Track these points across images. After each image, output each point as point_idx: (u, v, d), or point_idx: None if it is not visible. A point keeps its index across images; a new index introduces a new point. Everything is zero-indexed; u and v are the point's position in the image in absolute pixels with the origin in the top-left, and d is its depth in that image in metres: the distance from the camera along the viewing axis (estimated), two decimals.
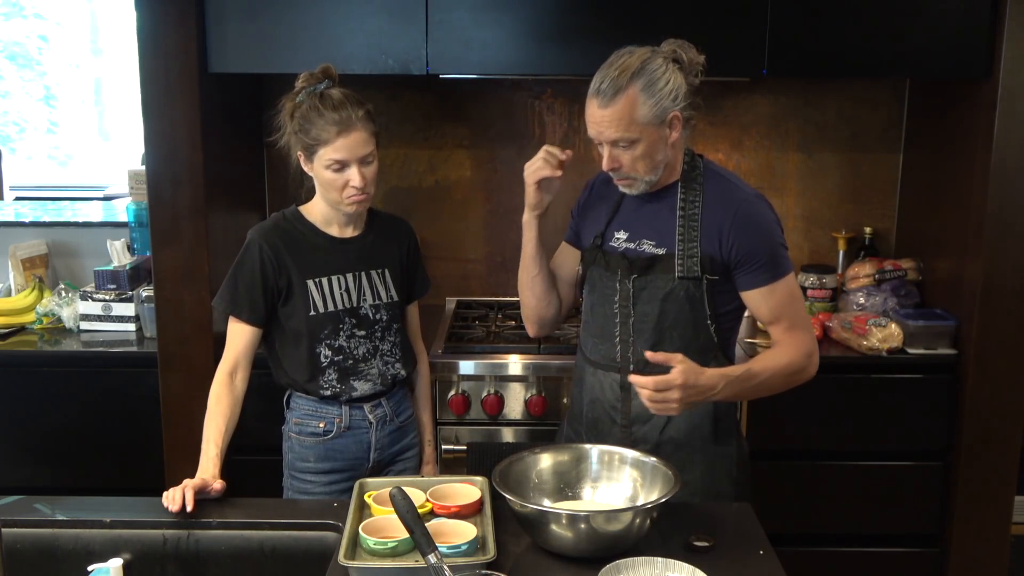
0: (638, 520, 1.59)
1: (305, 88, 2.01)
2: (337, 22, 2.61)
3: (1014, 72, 2.58)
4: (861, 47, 2.66)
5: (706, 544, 1.64)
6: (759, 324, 2.01)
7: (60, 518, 1.76)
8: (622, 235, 2.00)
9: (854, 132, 3.22)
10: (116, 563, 1.67)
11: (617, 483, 1.79)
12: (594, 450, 1.83)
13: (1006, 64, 2.57)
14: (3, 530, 1.73)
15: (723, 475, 2.00)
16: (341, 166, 1.98)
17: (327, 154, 1.97)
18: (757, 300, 1.92)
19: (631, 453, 1.80)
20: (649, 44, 1.88)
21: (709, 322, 1.94)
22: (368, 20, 2.61)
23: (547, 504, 1.74)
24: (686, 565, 1.50)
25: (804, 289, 3.09)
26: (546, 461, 1.80)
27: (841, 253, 3.22)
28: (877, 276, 3.01)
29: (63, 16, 6.95)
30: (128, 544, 1.74)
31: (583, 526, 1.58)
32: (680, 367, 1.72)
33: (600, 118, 1.84)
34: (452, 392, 2.68)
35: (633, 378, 1.76)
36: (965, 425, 2.74)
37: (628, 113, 1.82)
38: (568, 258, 2.16)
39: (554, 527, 1.59)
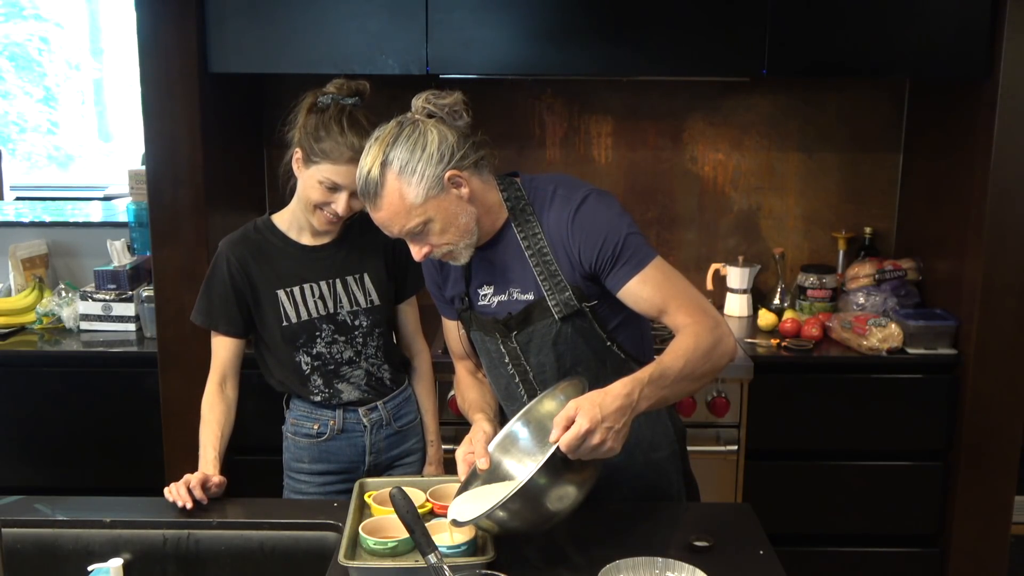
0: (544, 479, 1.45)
1: (334, 94, 1.96)
2: (337, 22, 2.61)
3: (1014, 72, 2.58)
4: (861, 47, 2.66)
5: (706, 544, 1.63)
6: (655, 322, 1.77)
7: (60, 518, 1.77)
8: (488, 291, 1.82)
9: (854, 132, 3.22)
10: (116, 563, 1.67)
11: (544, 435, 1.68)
12: (516, 424, 1.74)
13: (1006, 64, 2.57)
14: (3, 530, 1.73)
15: (674, 473, 1.92)
16: (334, 188, 1.94)
17: (328, 172, 1.92)
18: (633, 296, 1.70)
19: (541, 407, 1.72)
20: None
21: (608, 343, 1.79)
22: (368, 20, 2.61)
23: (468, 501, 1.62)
24: (686, 565, 1.50)
25: (804, 289, 3.09)
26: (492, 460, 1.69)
27: (841, 253, 3.22)
28: (877, 276, 3.01)
29: (63, 17, 6.95)
30: (128, 544, 1.74)
31: (517, 505, 1.45)
32: (580, 412, 1.46)
33: (379, 221, 1.69)
34: (452, 392, 2.66)
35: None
36: (965, 425, 2.74)
37: (399, 205, 1.64)
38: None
39: (491, 518, 1.48)
